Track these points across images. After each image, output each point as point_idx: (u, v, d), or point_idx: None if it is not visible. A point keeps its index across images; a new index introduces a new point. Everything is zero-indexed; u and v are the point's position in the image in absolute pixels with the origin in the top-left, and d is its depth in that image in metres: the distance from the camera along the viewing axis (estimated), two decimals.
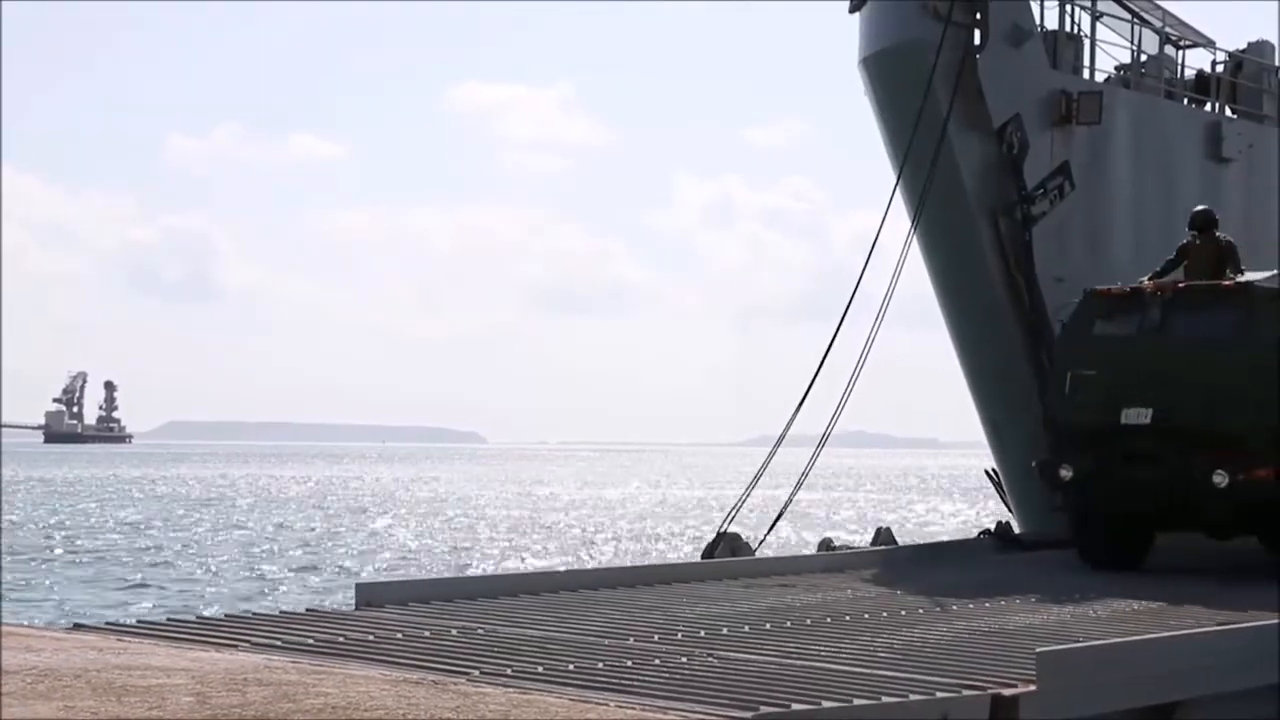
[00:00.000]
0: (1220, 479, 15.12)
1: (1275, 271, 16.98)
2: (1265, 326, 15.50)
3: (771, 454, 18.45)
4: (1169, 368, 15.65)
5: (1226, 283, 16.11)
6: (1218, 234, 16.94)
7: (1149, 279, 16.59)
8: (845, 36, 19.54)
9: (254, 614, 12.33)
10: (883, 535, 20.27)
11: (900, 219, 19.20)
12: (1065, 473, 16.16)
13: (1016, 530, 19.34)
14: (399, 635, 10.50)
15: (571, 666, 9.20)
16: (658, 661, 9.55)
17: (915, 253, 19.27)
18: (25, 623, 13.00)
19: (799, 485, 18.62)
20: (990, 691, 8.65)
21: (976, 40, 18.61)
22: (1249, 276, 16.37)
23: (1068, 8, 20.26)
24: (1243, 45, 23.26)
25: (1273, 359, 15.25)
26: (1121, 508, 16.09)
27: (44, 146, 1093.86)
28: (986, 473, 21.77)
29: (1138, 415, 15.65)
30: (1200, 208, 17.40)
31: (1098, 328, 16.39)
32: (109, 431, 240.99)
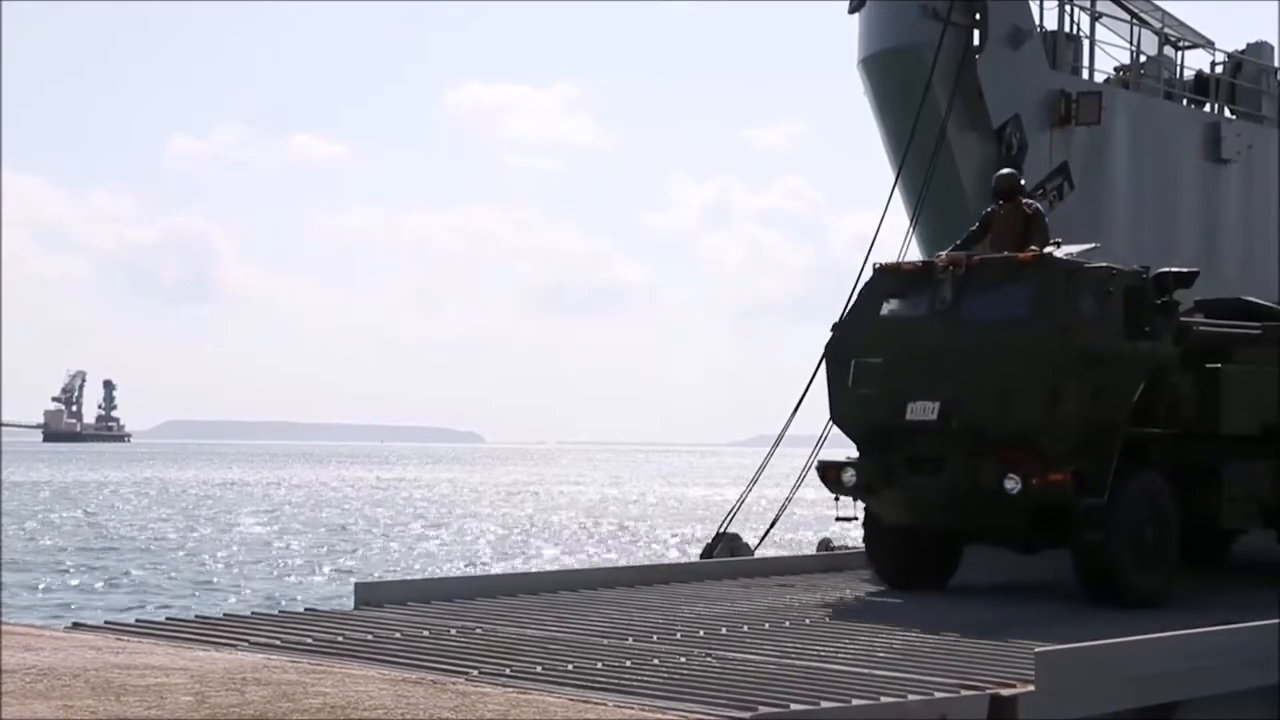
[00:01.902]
0: (1012, 484, 13.11)
1: (1093, 245, 15.25)
2: (1065, 306, 13.44)
3: (770, 454, 18.46)
4: (958, 355, 13.59)
5: (1024, 255, 13.96)
6: (1024, 201, 15.07)
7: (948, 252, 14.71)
8: (845, 37, 19.56)
9: (253, 613, 12.36)
10: None
11: (899, 219, 19.23)
12: (848, 477, 14.18)
13: None
14: (398, 635, 10.51)
15: (570, 666, 9.21)
16: (656, 661, 9.56)
17: (914, 253, 19.28)
18: (25, 622, 12.99)
19: (798, 485, 18.62)
20: (989, 692, 8.66)
21: (976, 41, 18.61)
22: (1067, 249, 14.50)
23: (1067, 8, 20.25)
24: (1242, 46, 23.26)
25: (1073, 344, 13.29)
26: (905, 519, 14.25)
27: (44, 147, 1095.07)
28: None
29: (924, 410, 13.60)
30: (1004, 171, 15.54)
31: (886, 308, 14.36)
32: (108, 430, 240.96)
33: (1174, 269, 14.62)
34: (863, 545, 15.16)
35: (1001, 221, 14.93)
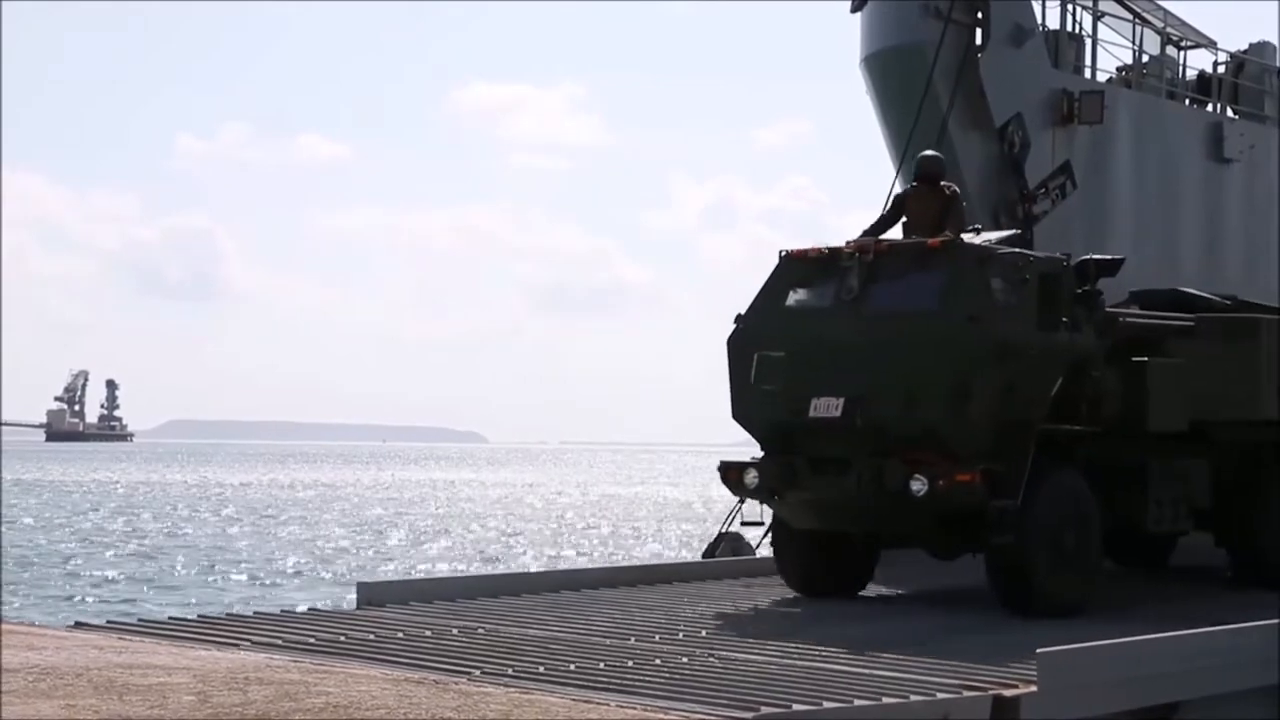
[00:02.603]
0: (918, 486, 12.23)
1: (1013, 231, 14.46)
2: (976, 295, 12.60)
3: None
4: (863, 347, 12.73)
5: (933, 241, 13.10)
6: (944, 184, 14.20)
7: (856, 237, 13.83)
8: (847, 36, 19.55)
9: (255, 613, 12.36)
10: None
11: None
12: (750, 479, 13.33)
13: None
14: (400, 634, 10.52)
15: (573, 666, 9.22)
16: (659, 661, 9.57)
17: None
18: (27, 621, 13.01)
19: None
20: (991, 692, 8.67)
21: (978, 39, 18.61)
22: (988, 236, 13.77)
23: (1069, 7, 20.23)
24: (1244, 46, 23.25)
25: (983, 335, 12.42)
26: (811, 523, 13.42)
27: (47, 146, 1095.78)
28: None
29: (828, 407, 12.72)
30: (929, 153, 14.74)
31: (791, 298, 13.46)
32: (110, 430, 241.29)
33: (1096, 256, 13.86)
34: None
35: (918, 203, 14.13)
